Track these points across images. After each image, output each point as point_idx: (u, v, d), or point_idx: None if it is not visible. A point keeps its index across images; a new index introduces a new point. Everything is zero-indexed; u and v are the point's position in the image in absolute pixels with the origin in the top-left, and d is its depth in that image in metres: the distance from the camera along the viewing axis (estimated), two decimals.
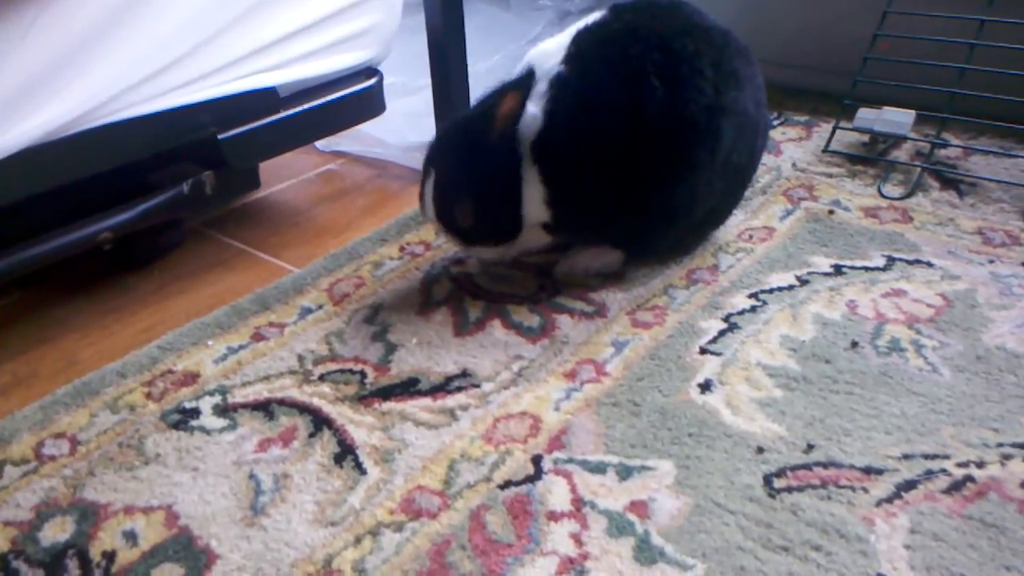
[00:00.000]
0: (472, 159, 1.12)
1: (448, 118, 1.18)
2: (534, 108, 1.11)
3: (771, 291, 1.15)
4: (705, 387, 1.00)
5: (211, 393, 1.03)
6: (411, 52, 1.66)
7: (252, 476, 0.91)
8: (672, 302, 1.15)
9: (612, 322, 1.12)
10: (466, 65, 1.55)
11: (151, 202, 1.19)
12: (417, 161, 1.59)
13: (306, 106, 1.29)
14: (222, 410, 1.00)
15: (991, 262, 1.18)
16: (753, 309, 1.12)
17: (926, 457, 0.88)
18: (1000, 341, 1.03)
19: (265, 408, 1.00)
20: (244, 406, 1.01)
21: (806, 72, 1.70)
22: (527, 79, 1.08)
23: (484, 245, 1.18)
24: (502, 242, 1.17)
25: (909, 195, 1.35)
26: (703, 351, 1.06)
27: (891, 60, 1.49)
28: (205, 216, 1.47)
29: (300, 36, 1.27)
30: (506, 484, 0.88)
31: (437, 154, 1.16)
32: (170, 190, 1.21)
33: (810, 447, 0.90)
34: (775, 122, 1.62)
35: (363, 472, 0.91)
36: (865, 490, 0.85)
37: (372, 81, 1.38)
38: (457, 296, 1.20)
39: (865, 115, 1.47)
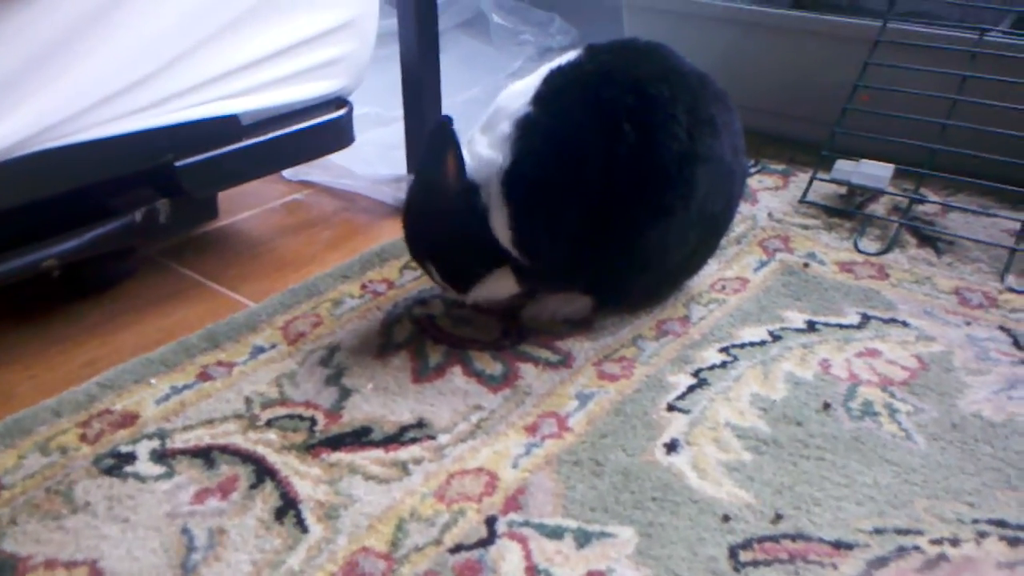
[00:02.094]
0: (463, 244, 1.10)
1: (410, 192, 1.15)
2: (492, 153, 1.08)
3: (743, 346, 1.12)
4: (671, 447, 0.95)
5: (149, 436, 0.97)
6: (387, 82, 1.62)
7: (185, 531, 0.85)
8: (641, 354, 1.11)
9: (577, 373, 1.08)
10: (440, 97, 1.51)
11: (100, 230, 1.13)
12: (387, 195, 1.56)
13: (269, 135, 1.24)
14: (159, 456, 0.94)
15: (968, 324, 1.15)
16: (724, 364, 1.08)
17: (899, 532, 0.84)
18: (976, 408, 1.00)
19: (206, 455, 0.95)
20: (183, 452, 0.95)
21: (784, 120, 1.68)
22: (446, 134, 1.06)
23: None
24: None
25: (886, 251, 1.33)
26: (671, 408, 1.01)
27: (870, 112, 1.47)
28: (162, 244, 1.41)
29: (267, 63, 1.23)
30: (457, 548, 0.83)
31: (423, 245, 1.14)
32: (121, 218, 1.16)
33: (778, 517, 0.86)
34: (752, 169, 1.59)
35: (305, 530, 0.85)
36: (834, 566, 0.81)
37: (341, 112, 1.34)
38: (418, 339, 1.15)
39: (843, 167, 1.45)
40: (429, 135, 1.09)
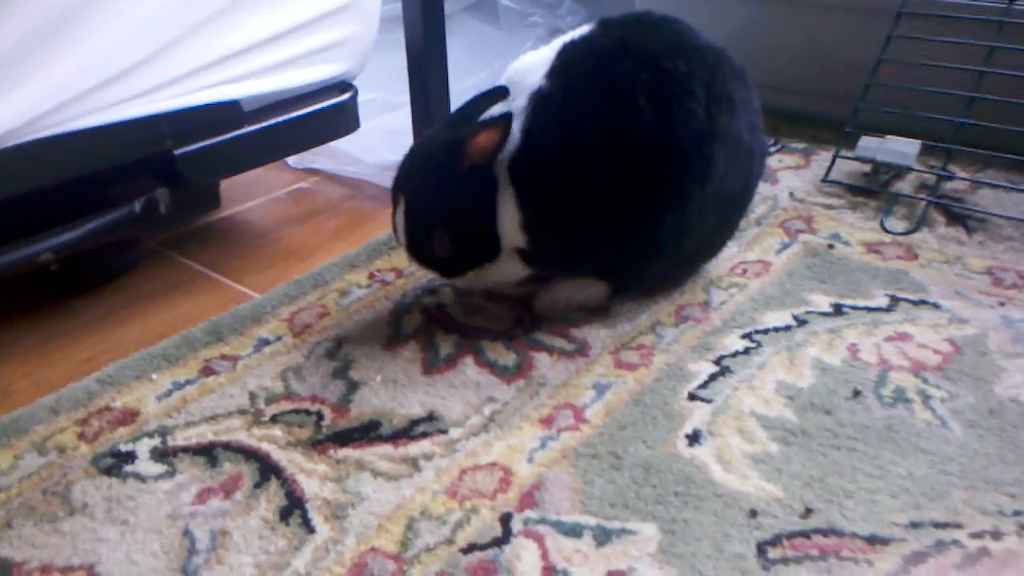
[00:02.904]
0: (444, 185, 1.03)
1: (419, 137, 1.10)
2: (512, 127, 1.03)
3: (766, 331, 1.07)
4: (694, 439, 0.91)
5: (150, 434, 0.94)
6: (394, 66, 1.57)
7: (187, 532, 0.81)
8: (660, 341, 1.07)
9: (594, 362, 1.03)
10: (447, 82, 1.47)
11: (98, 221, 1.10)
12: None
13: (271, 121, 1.20)
14: (160, 454, 0.91)
15: (1002, 305, 1.10)
16: (747, 351, 1.04)
17: (936, 526, 0.80)
18: (1014, 393, 0.95)
19: (208, 453, 0.91)
20: (185, 450, 0.91)
21: (805, 97, 1.62)
22: (506, 125, 1.01)
23: (462, 275, 1.10)
24: (478, 266, 1.09)
25: (914, 230, 1.27)
26: (692, 397, 0.97)
27: (895, 86, 1.42)
28: (164, 235, 1.38)
29: (268, 46, 1.19)
30: (470, 548, 0.79)
31: (407, 179, 1.07)
32: (120, 208, 1.12)
33: (808, 511, 0.82)
34: (772, 149, 1.54)
35: (311, 530, 0.81)
36: (869, 563, 0.76)
37: (345, 96, 1.30)
38: (428, 330, 1.11)
39: (867, 144, 1.39)
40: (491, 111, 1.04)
